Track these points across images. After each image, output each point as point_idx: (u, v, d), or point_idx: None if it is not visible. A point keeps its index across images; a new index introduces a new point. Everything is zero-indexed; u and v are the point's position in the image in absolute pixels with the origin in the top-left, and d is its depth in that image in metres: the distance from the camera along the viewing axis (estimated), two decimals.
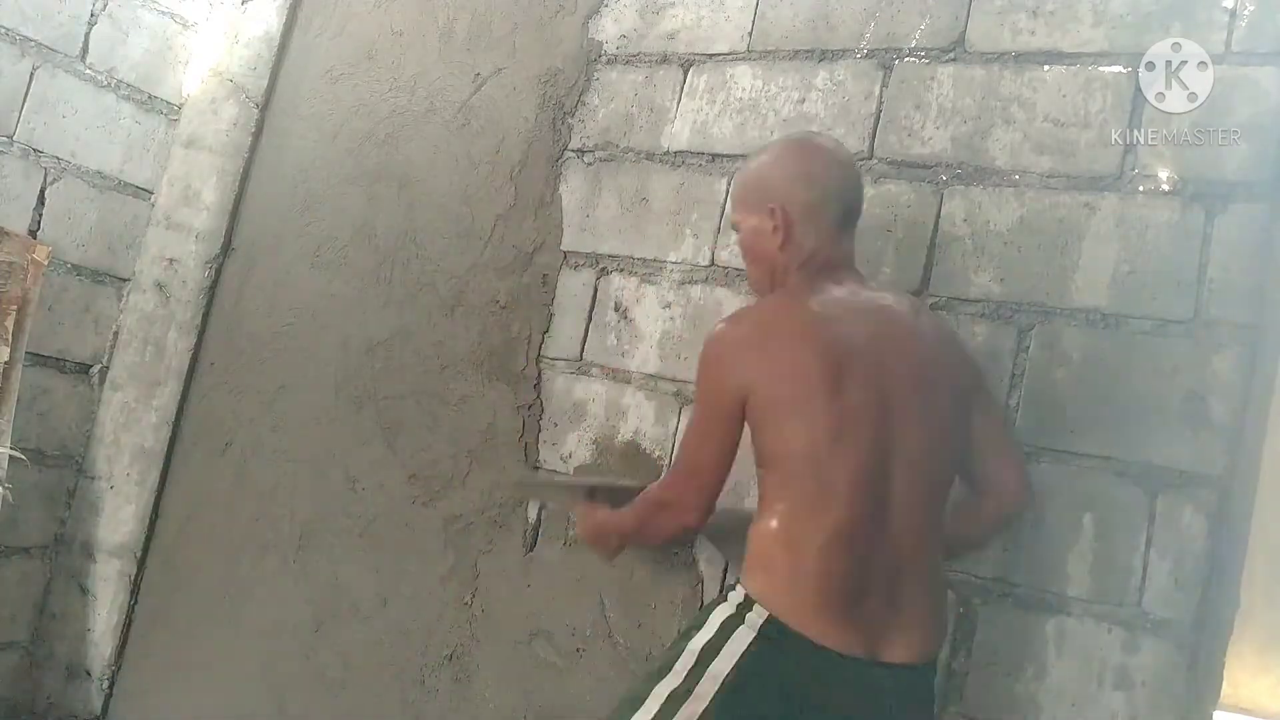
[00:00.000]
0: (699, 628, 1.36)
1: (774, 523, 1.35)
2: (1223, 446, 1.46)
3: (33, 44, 2.26)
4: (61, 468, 2.46)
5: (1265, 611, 3.32)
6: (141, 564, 2.41)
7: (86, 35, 2.37)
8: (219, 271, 2.50)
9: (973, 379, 1.48)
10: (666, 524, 1.47)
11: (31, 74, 2.27)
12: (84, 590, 2.44)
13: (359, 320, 2.29)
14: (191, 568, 2.37)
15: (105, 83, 2.42)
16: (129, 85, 2.47)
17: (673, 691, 1.32)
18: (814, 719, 1.32)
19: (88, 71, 2.38)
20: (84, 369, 2.48)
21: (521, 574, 1.98)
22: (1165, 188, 1.56)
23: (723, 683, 1.31)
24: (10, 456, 2.14)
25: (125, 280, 2.53)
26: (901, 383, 1.38)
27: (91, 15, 2.37)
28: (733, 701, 1.30)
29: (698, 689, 1.31)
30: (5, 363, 2.13)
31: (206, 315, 2.49)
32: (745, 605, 1.33)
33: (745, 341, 1.42)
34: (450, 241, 2.21)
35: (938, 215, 1.72)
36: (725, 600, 1.37)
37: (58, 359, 2.41)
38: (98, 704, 2.38)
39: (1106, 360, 1.56)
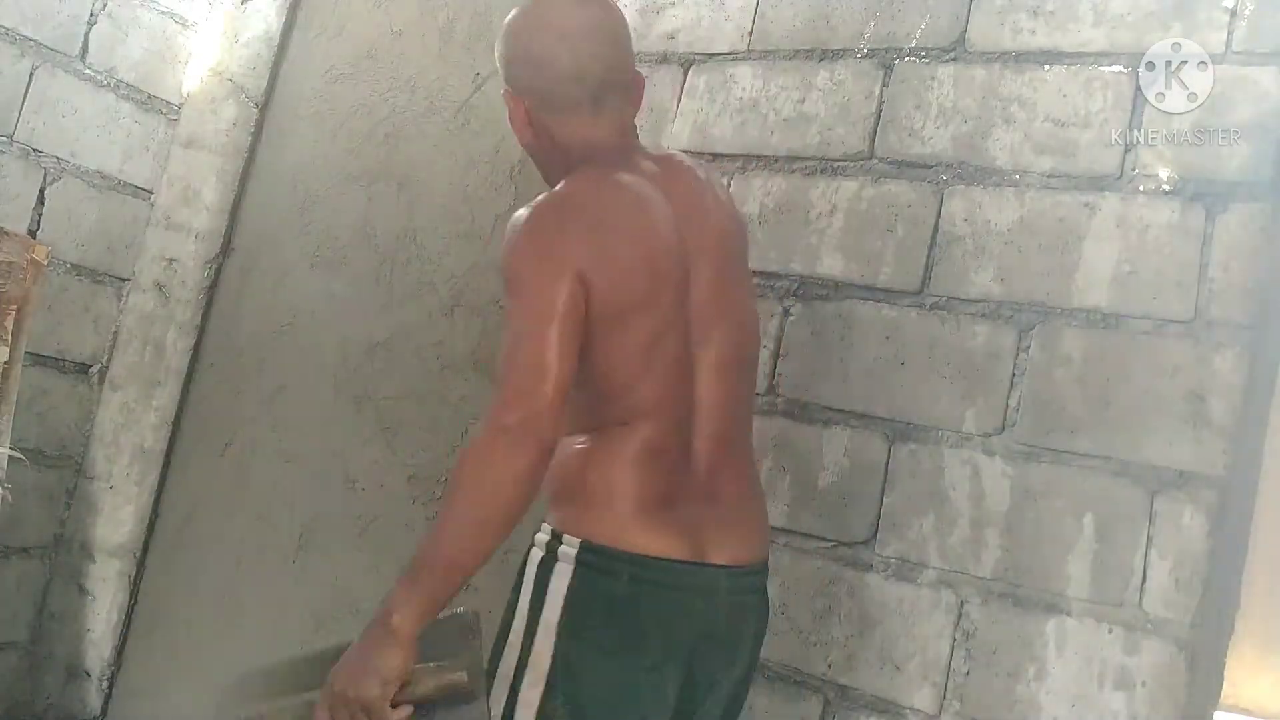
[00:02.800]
0: (518, 587, 1.25)
1: (579, 449, 1.25)
2: (1223, 446, 1.46)
3: (32, 44, 2.26)
4: (61, 468, 2.46)
5: (1265, 611, 3.32)
6: (141, 564, 2.41)
7: (86, 35, 2.37)
8: (218, 271, 2.50)
9: (746, 243, 1.43)
10: (517, 457, 1.12)
11: (31, 74, 2.27)
12: (84, 590, 2.43)
13: (359, 320, 2.29)
14: (191, 568, 2.37)
15: (105, 82, 2.42)
16: (129, 85, 2.47)
17: (517, 662, 1.21)
18: (658, 633, 1.23)
19: (87, 71, 2.38)
20: (83, 369, 2.48)
21: None
22: (1165, 188, 1.56)
23: (557, 628, 1.20)
24: (9, 457, 2.14)
25: (125, 280, 2.53)
26: (708, 279, 1.28)
27: (91, 15, 2.37)
28: (571, 644, 1.20)
29: (535, 646, 1.20)
30: (5, 363, 2.13)
31: (206, 315, 2.49)
32: (555, 540, 1.24)
33: (578, 222, 1.22)
34: (450, 241, 2.21)
35: (938, 215, 1.72)
36: (533, 545, 1.26)
37: (57, 359, 2.41)
38: (98, 704, 2.38)
39: (1106, 360, 1.56)
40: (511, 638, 1.24)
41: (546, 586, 1.22)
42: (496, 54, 1.38)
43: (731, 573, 1.29)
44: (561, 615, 1.20)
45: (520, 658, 1.22)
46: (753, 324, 1.40)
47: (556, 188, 1.30)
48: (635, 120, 1.42)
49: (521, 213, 1.24)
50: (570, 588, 1.21)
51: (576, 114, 1.32)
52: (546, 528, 1.27)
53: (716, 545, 1.27)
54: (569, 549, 1.22)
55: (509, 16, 1.38)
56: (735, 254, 1.37)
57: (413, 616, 1.15)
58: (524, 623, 1.23)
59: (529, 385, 1.14)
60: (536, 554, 1.26)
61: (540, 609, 1.22)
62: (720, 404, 1.30)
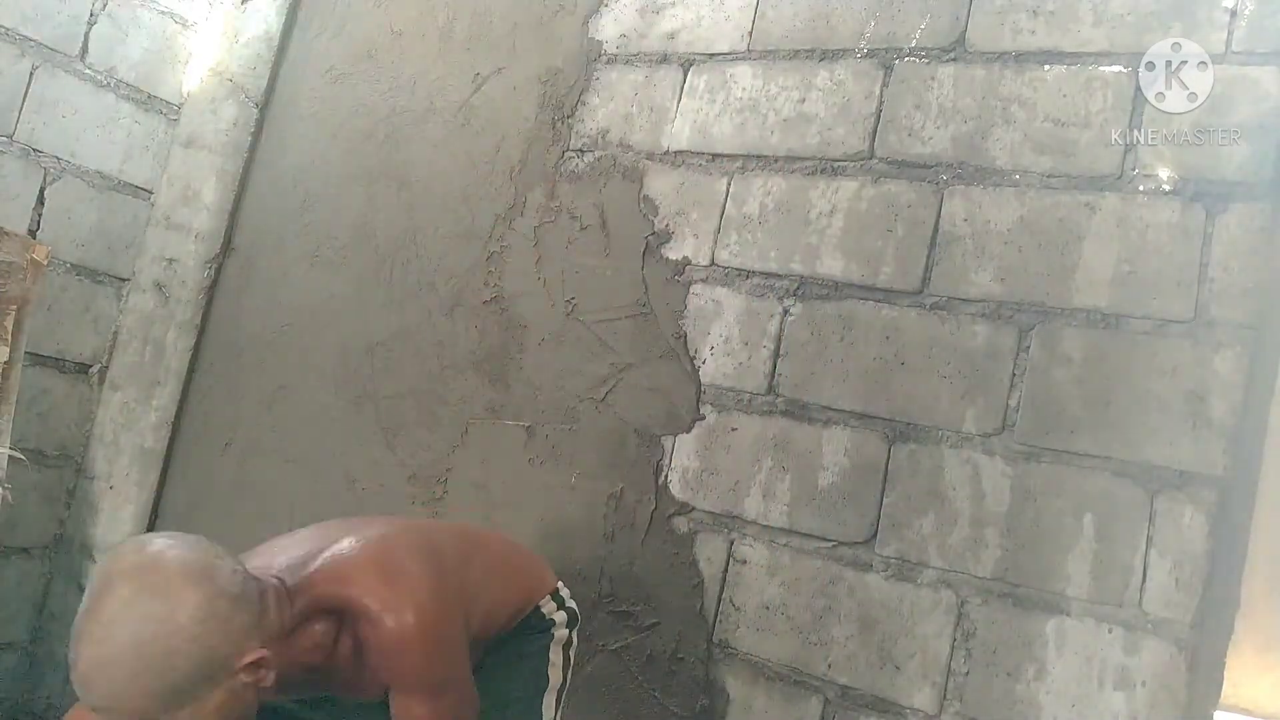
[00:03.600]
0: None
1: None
2: (1223, 446, 1.46)
3: (32, 44, 2.26)
4: (61, 468, 2.46)
5: (1265, 611, 3.32)
6: None
7: (86, 35, 2.37)
8: (218, 271, 2.50)
9: None
10: None
11: (31, 74, 2.27)
12: (84, 590, 2.43)
13: (359, 320, 2.29)
14: None
15: (105, 82, 2.42)
16: (129, 85, 2.47)
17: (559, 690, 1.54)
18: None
19: (87, 71, 2.38)
20: (83, 369, 2.48)
21: None
22: (1165, 188, 1.56)
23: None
24: (10, 457, 2.14)
25: (125, 280, 2.53)
26: None
27: (91, 15, 2.37)
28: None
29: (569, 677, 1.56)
30: (5, 363, 2.13)
31: (206, 315, 2.49)
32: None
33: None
34: (450, 241, 2.21)
35: (938, 215, 1.72)
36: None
37: (57, 359, 2.41)
38: None
39: (1107, 360, 1.56)
40: (550, 673, 1.57)
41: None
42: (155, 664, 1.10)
43: None
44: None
45: (563, 685, 1.59)
46: None
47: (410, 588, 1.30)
48: None
49: (423, 609, 1.26)
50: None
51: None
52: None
53: None
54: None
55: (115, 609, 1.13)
56: None
57: None
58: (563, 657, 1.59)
59: None
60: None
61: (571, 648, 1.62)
62: None
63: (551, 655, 1.54)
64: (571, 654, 1.57)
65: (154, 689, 1.07)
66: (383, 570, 1.26)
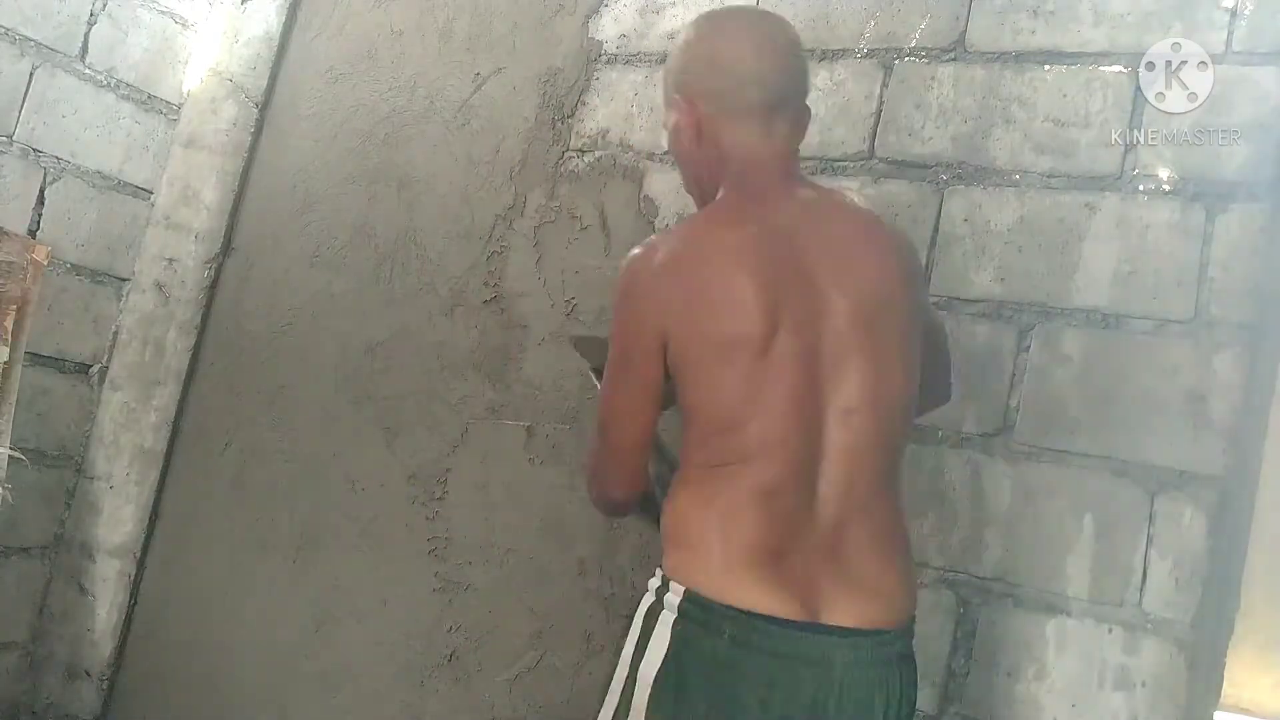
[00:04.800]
0: (628, 632, 1.19)
1: (688, 488, 1.20)
2: (1223, 446, 1.46)
3: (32, 44, 2.26)
4: (61, 468, 2.46)
5: (1265, 611, 3.32)
6: (141, 564, 2.41)
7: (86, 35, 2.37)
8: (219, 271, 2.50)
9: (922, 292, 1.36)
10: (597, 497, 1.29)
11: (31, 74, 2.27)
12: (84, 590, 2.43)
13: (359, 320, 2.29)
14: (191, 568, 2.37)
15: (105, 82, 2.42)
16: (129, 85, 2.47)
17: (614, 714, 1.16)
18: (756, 708, 1.12)
19: (87, 71, 2.38)
20: (83, 369, 2.48)
21: None
22: (1165, 188, 1.56)
23: (652, 686, 1.12)
24: (10, 457, 2.14)
25: (125, 280, 2.53)
26: (845, 319, 1.19)
27: (91, 15, 2.37)
28: (664, 708, 1.12)
29: (634, 703, 1.13)
30: (5, 363, 2.13)
31: (206, 315, 2.49)
32: (663, 587, 1.16)
33: (662, 272, 1.20)
34: (450, 241, 2.21)
35: (938, 215, 1.72)
36: (646, 591, 1.20)
37: (57, 359, 2.41)
38: (98, 704, 2.38)
39: (1107, 360, 1.56)
40: (613, 684, 1.17)
41: (649, 637, 1.15)
42: (670, 65, 1.34)
43: (852, 639, 1.13)
44: (659, 672, 1.12)
45: (618, 710, 1.15)
46: (906, 371, 1.24)
47: (671, 228, 1.36)
48: (799, 149, 1.37)
49: (631, 253, 1.26)
50: (673, 639, 1.13)
51: (748, 123, 1.28)
52: (659, 572, 1.19)
53: (833, 603, 1.13)
54: (674, 597, 1.14)
55: (691, 25, 1.36)
56: (887, 302, 1.22)
57: None
58: (625, 672, 1.16)
59: (599, 445, 1.26)
60: (646, 600, 1.19)
61: (639, 661, 1.15)
62: (850, 449, 1.18)
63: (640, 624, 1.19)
64: (643, 671, 1.15)
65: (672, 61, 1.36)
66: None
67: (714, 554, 1.14)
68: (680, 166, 1.39)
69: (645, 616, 1.17)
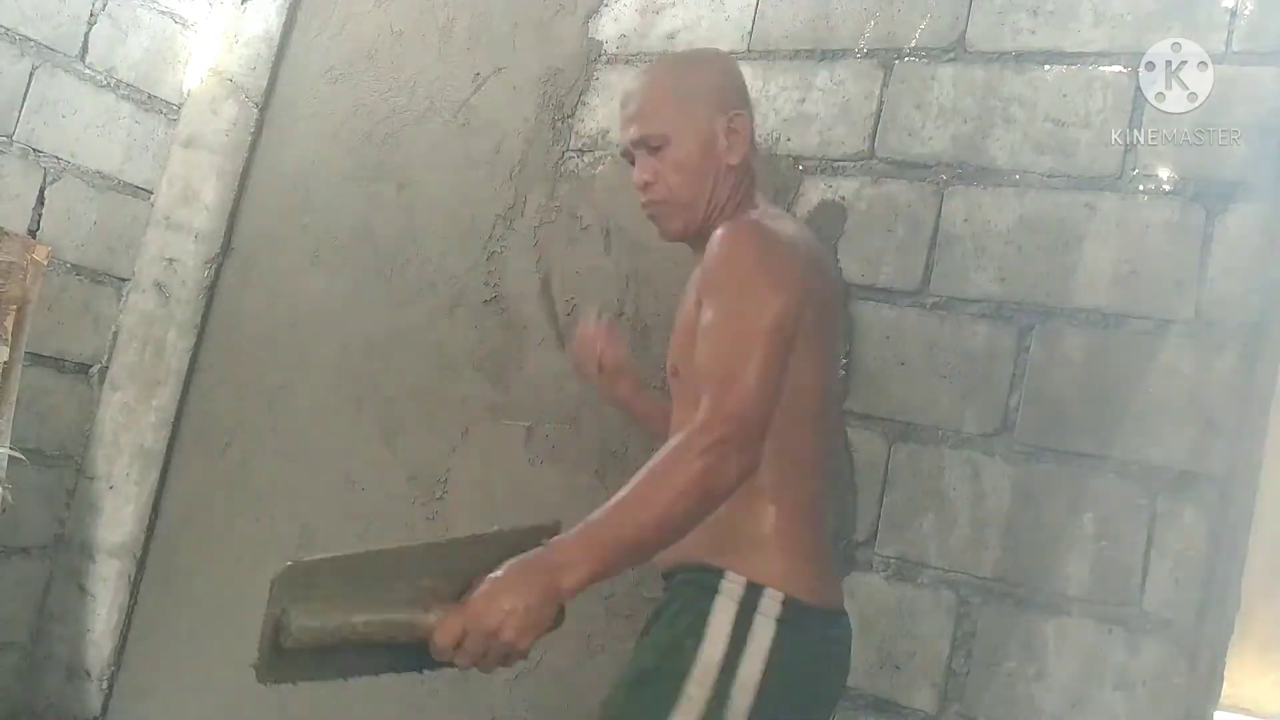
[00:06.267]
0: (698, 636, 1.18)
1: (765, 490, 1.20)
2: (1223, 446, 1.46)
3: (32, 44, 2.26)
4: (61, 468, 2.46)
5: (1265, 611, 3.32)
6: (141, 564, 2.41)
7: (86, 35, 2.37)
8: (218, 271, 2.50)
9: None
10: (731, 471, 1.11)
11: (31, 74, 2.27)
12: (84, 590, 2.43)
13: (359, 320, 2.29)
14: (191, 568, 2.37)
15: (105, 82, 2.42)
16: (128, 85, 2.47)
17: (701, 716, 1.16)
18: (835, 692, 1.32)
19: (87, 71, 2.38)
20: (83, 369, 2.48)
21: None
22: (1165, 188, 1.56)
23: (758, 688, 1.16)
24: (10, 457, 2.14)
25: (125, 280, 2.53)
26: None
27: (91, 15, 2.37)
28: (770, 702, 1.16)
29: (732, 704, 1.15)
30: (5, 363, 2.13)
31: (206, 315, 2.49)
32: (751, 594, 1.18)
33: (797, 253, 1.24)
34: (450, 241, 2.21)
35: (938, 215, 1.72)
36: (718, 593, 1.19)
37: (57, 359, 2.41)
38: (97, 704, 2.38)
39: (1107, 360, 1.56)
40: (691, 689, 1.16)
41: (744, 642, 1.16)
42: (694, 87, 1.42)
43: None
44: (764, 676, 1.15)
45: (708, 710, 1.15)
46: None
47: (759, 217, 1.33)
48: None
49: (736, 228, 1.26)
50: (773, 648, 1.16)
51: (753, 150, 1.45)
52: (737, 578, 1.18)
53: (840, 591, 1.33)
54: (771, 604, 1.17)
55: (712, 55, 1.61)
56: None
57: (581, 582, 1.09)
58: (713, 677, 1.16)
59: (741, 402, 1.12)
60: (728, 605, 1.18)
61: (736, 666, 1.16)
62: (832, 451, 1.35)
63: (714, 623, 1.19)
64: (742, 674, 1.17)
65: (663, 87, 1.44)
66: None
67: (806, 559, 1.22)
68: (694, 182, 1.39)
69: (735, 624, 1.17)
